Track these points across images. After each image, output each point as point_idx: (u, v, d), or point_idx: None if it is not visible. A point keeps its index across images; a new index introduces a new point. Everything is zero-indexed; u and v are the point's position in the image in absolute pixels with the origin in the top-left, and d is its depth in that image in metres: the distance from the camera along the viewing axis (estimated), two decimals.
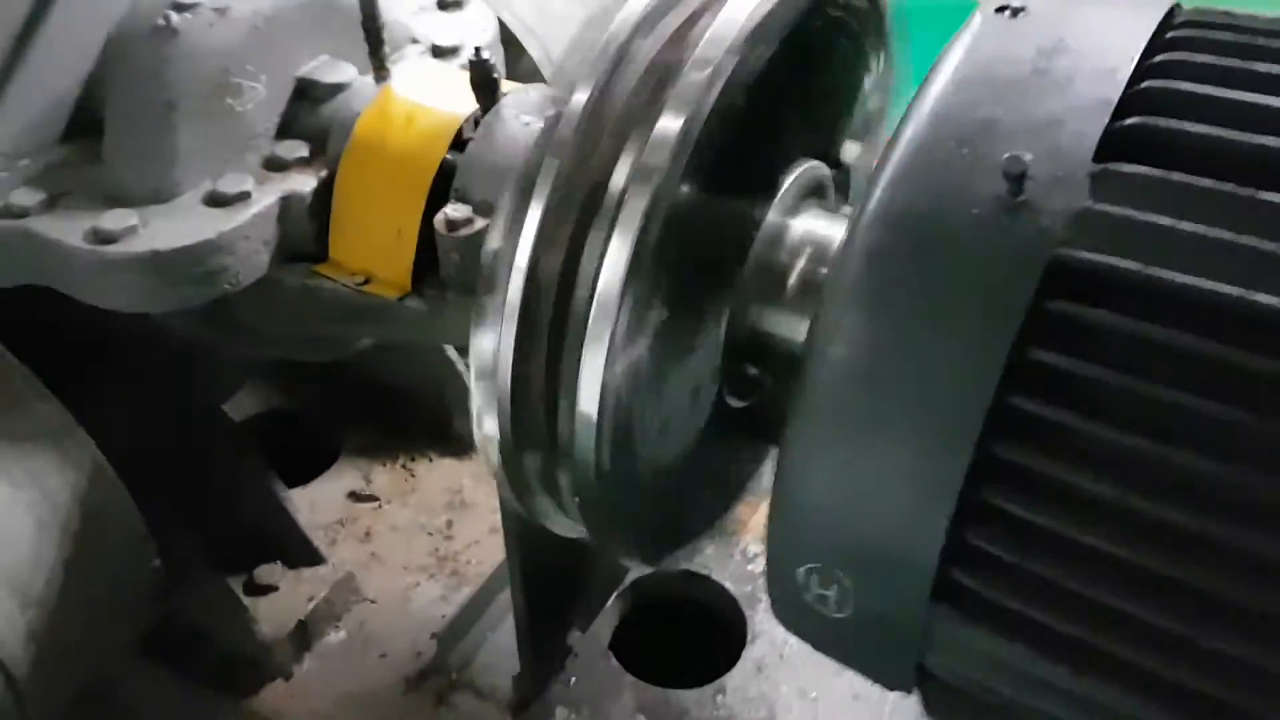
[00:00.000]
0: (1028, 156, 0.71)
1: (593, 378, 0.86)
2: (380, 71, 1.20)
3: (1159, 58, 0.78)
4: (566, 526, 1.05)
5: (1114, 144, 0.74)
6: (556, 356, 0.90)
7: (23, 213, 1.11)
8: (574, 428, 0.89)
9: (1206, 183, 0.71)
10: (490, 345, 0.91)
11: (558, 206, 0.88)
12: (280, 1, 1.17)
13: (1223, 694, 0.69)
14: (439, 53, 1.34)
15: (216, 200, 1.12)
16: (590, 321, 0.85)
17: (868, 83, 1.12)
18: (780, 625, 0.97)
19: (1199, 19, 0.82)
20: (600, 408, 0.87)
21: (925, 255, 0.75)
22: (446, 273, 1.09)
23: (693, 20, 0.93)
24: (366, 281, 1.15)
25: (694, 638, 1.63)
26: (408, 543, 1.67)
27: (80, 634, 1.21)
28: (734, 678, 1.51)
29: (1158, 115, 0.74)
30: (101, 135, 1.19)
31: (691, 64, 0.86)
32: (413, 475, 1.78)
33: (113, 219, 1.09)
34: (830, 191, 1.08)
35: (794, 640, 1.52)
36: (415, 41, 1.34)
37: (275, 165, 1.17)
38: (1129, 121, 0.74)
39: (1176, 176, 0.71)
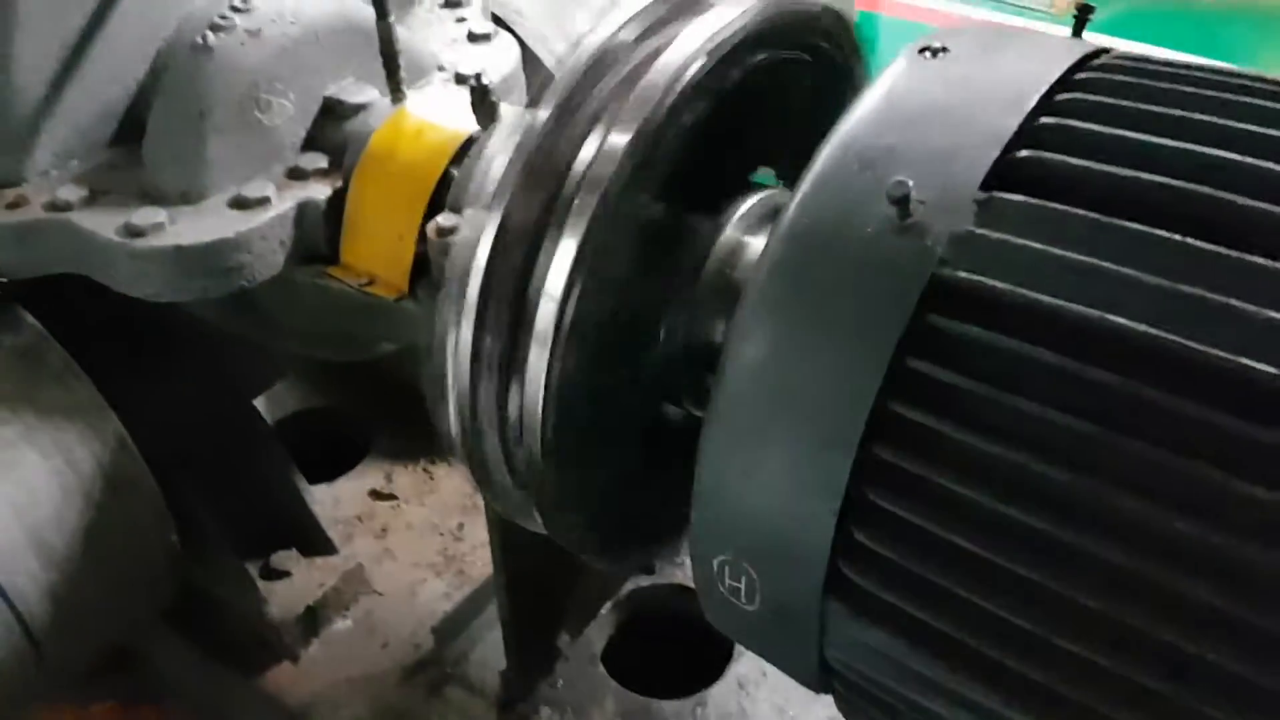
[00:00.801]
0: (911, 182, 0.77)
1: (539, 368, 0.94)
2: (396, 93, 1.30)
3: (1059, 97, 0.83)
4: (524, 518, 1.12)
5: (1001, 175, 0.79)
6: (510, 349, 0.97)
7: (66, 207, 1.24)
8: (524, 418, 0.96)
9: (1079, 212, 0.76)
10: (451, 339, 0.99)
11: (517, 211, 0.95)
12: (310, 26, 1.28)
13: (1075, 695, 0.73)
14: (461, 80, 1.44)
15: (239, 204, 1.23)
16: (538, 319, 0.93)
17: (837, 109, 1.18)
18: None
19: (1112, 63, 0.87)
20: (545, 398, 0.95)
21: (820, 268, 0.81)
22: (436, 276, 1.18)
23: (661, 40, 1.01)
24: (370, 283, 1.25)
25: (685, 651, 1.68)
26: (420, 541, 1.76)
27: (98, 598, 1.31)
28: (715, 692, 1.56)
29: (1045, 150, 0.79)
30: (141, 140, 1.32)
31: (645, 83, 0.94)
32: (432, 478, 1.87)
33: (143, 215, 1.20)
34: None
35: None
36: (442, 69, 1.45)
37: (296, 175, 1.28)
38: (1018, 154, 0.80)
39: (1053, 206, 0.76)
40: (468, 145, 1.22)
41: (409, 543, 1.76)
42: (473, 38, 1.53)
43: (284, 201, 1.24)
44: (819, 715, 1.53)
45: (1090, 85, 0.84)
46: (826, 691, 0.93)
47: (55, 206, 1.24)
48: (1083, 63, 0.87)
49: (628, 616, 1.67)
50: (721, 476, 0.86)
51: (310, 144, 1.31)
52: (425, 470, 1.88)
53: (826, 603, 0.83)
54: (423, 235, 1.20)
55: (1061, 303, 0.73)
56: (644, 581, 1.68)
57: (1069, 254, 0.74)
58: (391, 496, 1.83)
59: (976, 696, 0.77)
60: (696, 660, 1.65)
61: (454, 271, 0.99)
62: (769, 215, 1.10)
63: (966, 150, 0.80)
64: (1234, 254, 0.69)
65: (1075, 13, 0.97)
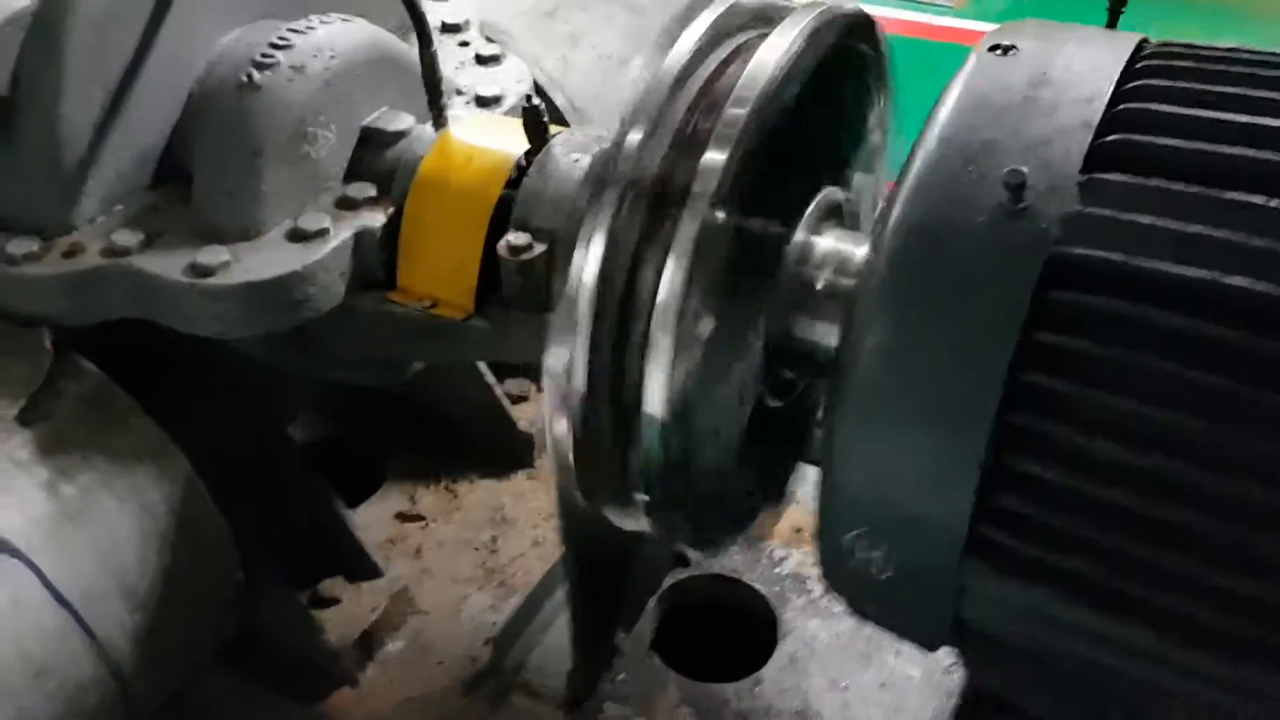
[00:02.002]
0: (1025, 169, 0.84)
1: (657, 381, 0.99)
2: (439, 119, 1.33)
3: (1131, 84, 0.91)
4: (627, 519, 1.17)
5: (1097, 158, 0.87)
6: (621, 364, 1.02)
7: (125, 251, 1.24)
8: (642, 426, 1.01)
9: (1179, 186, 0.84)
10: (563, 355, 1.03)
11: (621, 231, 1.00)
12: (348, 60, 1.31)
13: (1224, 624, 0.81)
14: (483, 102, 1.49)
15: (298, 236, 1.25)
16: (652, 332, 0.98)
17: (871, 119, 1.25)
18: (833, 595, 1.08)
19: (1163, 50, 0.96)
20: (665, 409, 1.00)
21: (940, 258, 0.88)
22: (509, 293, 1.22)
23: (729, 63, 1.07)
24: (434, 305, 1.28)
25: (728, 637, 1.74)
26: (456, 558, 1.78)
27: (177, 636, 1.32)
28: (769, 671, 1.62)
29: (1132, 132, 0.87)
30: (185, 181, 1.33)
31: (732, 102, 0.99)
32: (456, 495, 1.89)
33: (209, 254, 1.22)
34: (845, 213, 1.21)
35: (823, 635, 1.65)
36: (460, 93, 1.49)
37: (347, 204, 1.30)
38: (1110, 138, 0.87)
39: (1153, 182, 0.84)
40: (520, 167, 1.26)
41: (445, 560, 1.78)
42: (481, 60, 1.57)
43: (341, 231, 1.27)
44: (870, 683, 1.60)
45: (1154, 71, 0.93)
46: (953, 646, 0.99)
47: (113, 252, 1.24)
48: (1138, 52, 0.96)
49: (670, 608, 1.72)
50: (857, 457, 0.92)
51: (352, 173, 1.34)
52: (448, 489, 1.89)
53: (967, 564, 0.89)
54: (487, 256, 1.24)
55: (1175, 268, 0.81)
56: (682, 574, 1.74)
57: (1174, 224, 0.82)
58: (419, 517, 1.85)
59: (1123, 633, 0.85)
60: (739, 645, 1.71)
61: (563, 289, 1.04)
62: (827, 214, 1.17)
63: (1061, 138, 0.88)
64: None
65: (1108, 6, 1.06)
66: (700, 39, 1.06)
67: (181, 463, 1.31)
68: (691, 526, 1.12)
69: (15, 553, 1.16)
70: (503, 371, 1.92)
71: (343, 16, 1.35)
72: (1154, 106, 0.89)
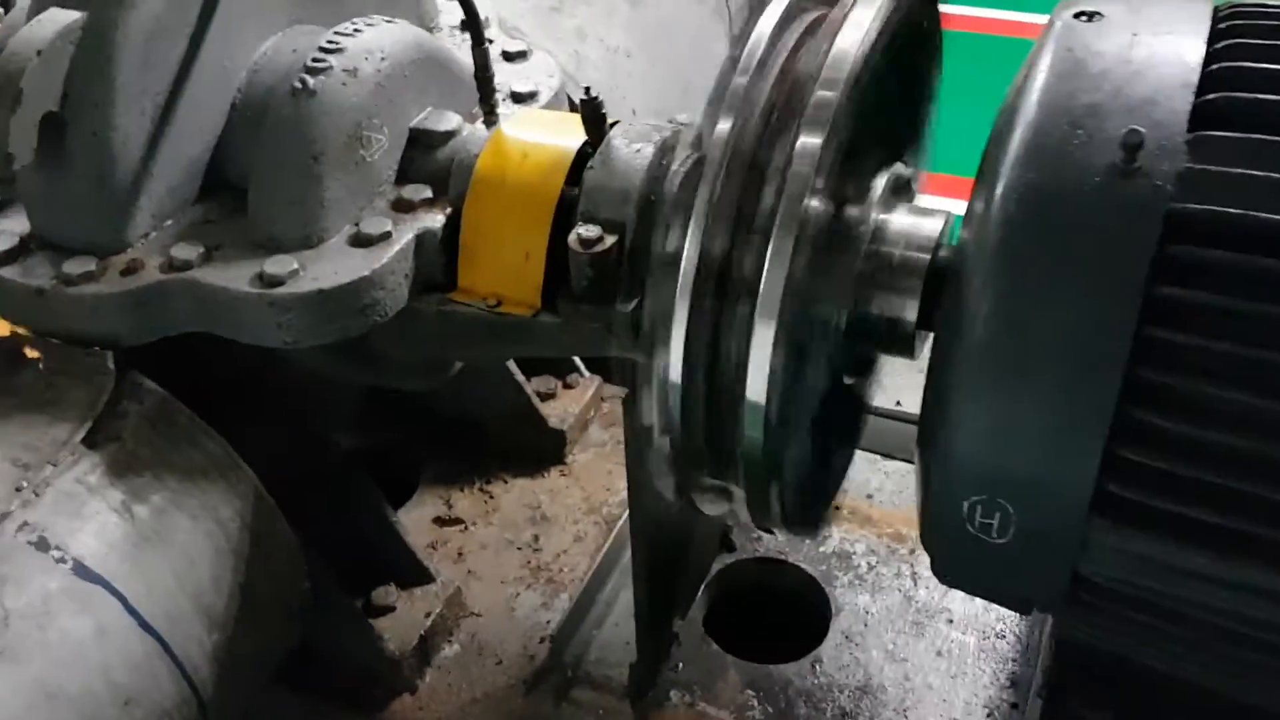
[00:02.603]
0: (1142, 130, 0.87)
1: (760, 366, 1.00)
2: (490, 116, 1.33)
3: (1220, 44, 0.94)
4: (717, 505, 1.18)
5: (1200, 116, 0.89)
6: (718, 350, 1.03)
7: (185, 265, 1.22)
8: (745, 412, 1.02)
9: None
10: (664, 342, 1.04)
11: (716, 216, 1.01)
12: (397, 61, 1.29)
13: None
14: (518, 98, 1.48)
15: (362, 241, 1.24)
16: (756, 317, 0.99)
17: (926, 94, 1.27)
18: (931, 569, 1.10)
19: (1241, 9, 0.99)
20: (767, 393, 1.01)
21: (1058, 220, 0.90)
22: (579, 287, 1.21)
23: (803, 41, 1.08)
24: (499, 304, 1.27)
25: (775, 617, 1.75)
26: (499, 558, 1.78)
27: (251, 650, 1.30)
28: (826, 649, 1.64)
29: (1232, 90, 0.90)
30: (234, 192, 1.31)
31: (821, 83, 1.00)
32: (491, 497, 1.88)
33: (276, 264, 1.20)
34: (911, 188, 1.23)
35: (875, 609, 1.67)
36: (495, 90, 1.47)
37: (403, 207, 1.29)
38: (1210, 96, 0.90)
39: (1258, 137, 0.87)
40: (579, 160, 1.26)
41: (489, 562, 1.77)
42: (508, 56, 1.57)
43: (403, 234, 1.25)
44: (925, 652, 1.63)
45: (1239, 31, 0.95)
46: (1068, 604, 1.01)
47: (174, 266, 1.22)
48: (1216, 12, 0.99)
49: (719, 592, 1.73)
50: (973, 425, 0.94)
51: (403, 176, 1.33)
52: (483, 490, 1.89)
53: (1091, 520, 0.91)
54: (553, 251, 1.24)
55: None
56: (729, 558, 1.75)
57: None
58: (457, 521, 1.84)
59: (1248, 576, 0.87)
60: (790, 625, 1.73)
61: (659, 281, 1.04)
62: (897, 190, 1.18)
63: (1164, 98, 0.90)
64: None
65: None
66: (778, 20, 1.07)
67: (249, 477, 1.29)
68: (784, 510, 1.13)
69: (99, 580, 1.13)
70: (529, 369, 1.92)
71: (385, 18, 1.34)
72: (1248, 64, 0.91)
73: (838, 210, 1.07)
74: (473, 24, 1.29)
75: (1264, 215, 0.84)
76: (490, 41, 1.60)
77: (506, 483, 1.90)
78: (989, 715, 1.55)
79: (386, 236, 1.24)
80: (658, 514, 1.40)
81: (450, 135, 1.33)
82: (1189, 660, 0.98)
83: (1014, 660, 1.62)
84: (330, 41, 1.27)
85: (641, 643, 1.52)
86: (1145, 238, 0.86)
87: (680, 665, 1.61)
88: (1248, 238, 0.84)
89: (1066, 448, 0.90)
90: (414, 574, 1.64)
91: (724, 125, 1.02)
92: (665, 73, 2.03)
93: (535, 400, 1.89)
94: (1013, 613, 1.68)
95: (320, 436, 1.55)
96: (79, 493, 1.15)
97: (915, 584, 1.73)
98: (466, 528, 1.83)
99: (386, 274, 1.23)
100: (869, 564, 1.75)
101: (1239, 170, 0.86)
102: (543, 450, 1.91)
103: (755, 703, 1.56)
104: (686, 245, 1.01)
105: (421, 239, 1.27)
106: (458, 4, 1.62)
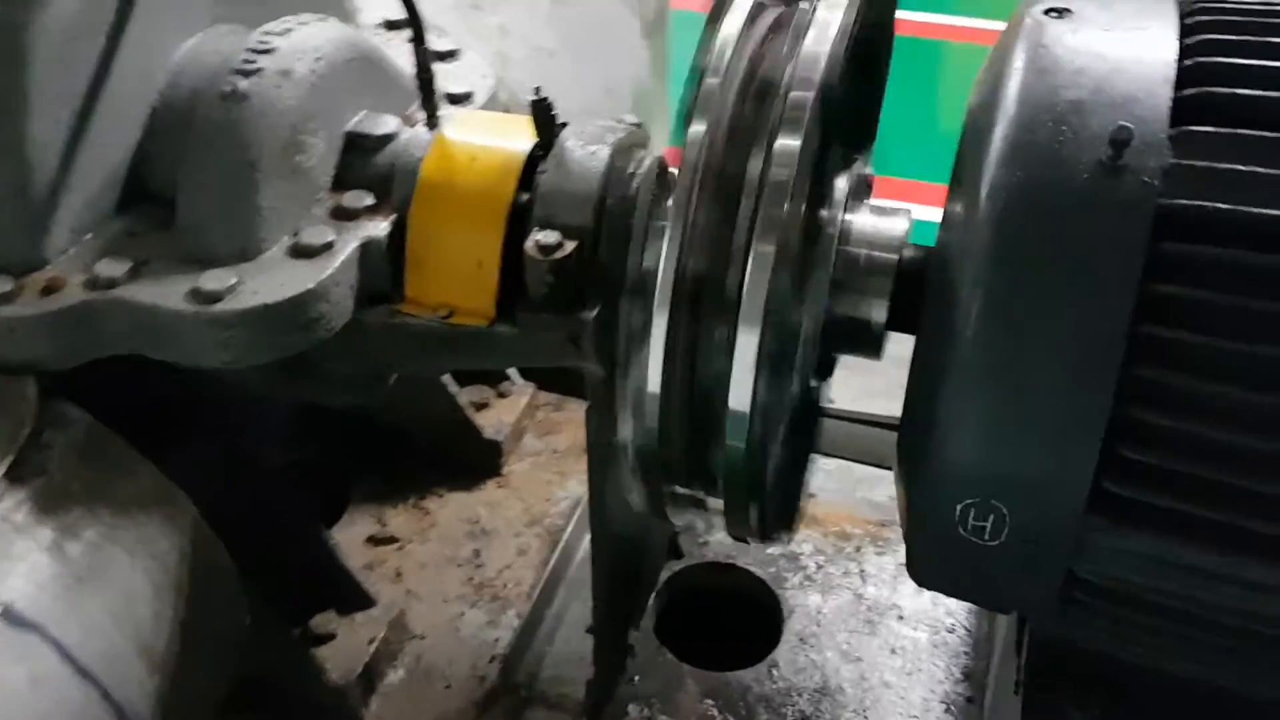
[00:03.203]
0: (1130, 125, 0.86)
1: (744, 376, 0.97)
2: (433, 118, 1.27)
3: (1192, 39, 0.94)
4: (686, 517, 1.15)
5: (1181, 111, 0.89)
6: (696, 360, 1.00)
7: (112, 283, 1.13)
8: (728, 422, 0.99)
9: (1264, 133, 0.87)
10: (643, 349, 1.00)
11: (700, 218, 0.97)
12: (331, 61, 1.22)
13: None
14: (454, 99, 1.42)
15: (303, 252, 1.17)
16: (738, 331, 0.96)
17: (877, 92, 1.26)
18: (910, 573, 1.08)
19: (1206, 5, 0.99)
20: (750, 402, 0.98)
21: (1047, 218, 0.88)
22: (538, 295, 1.17)
23: (771, 41, 1.05)
24: (451, 314, 1.22)
25: (726, 622, 1.73)
26: (440, 576, 1.72)
27: (193, 690, 1.22)
28: (782, 652, 1.62)
29: (1210, 85, 0.90)
30: (156, 203, 1.23)
31: (797, 84, 0.98)
32: (427, 513, 1.82)
33: (213, 279, 1.12)
34: (869, 188, 1.22)
35: (826, 609, 1.66)
36: None
37: (344, 215, 1.22)
38: (1189, 92, 0.90)
39: (1242, 131, 0.87)
40: (530, 163, 1.21)
41: (430, 581, 1.70)
42: (439, 56, 1.51)
43: (347, 244, 1.19)
44: (879, 649, 1.63)
45: (1209, 26, 0.96)
46: (1061, 606, 1.00)
47: (99, 284, 1.13)
48: (1183, 8, 0.99)
49: (668, 600, 1.70)
50: (966, 427, 0.92)
51: (340, 182, 1.26)
52: (418, 506, 1.82)
53: (1087, 520, 0.91)
54: (506, 258, 1.19)
55: (1276, 211, 0.84)
56: (678, 565, 1.72)
57: (1268, 169, 0.85)
58: (392, 540, 1.77)
59: (1248, 571, 0.88)
60: (741, 629, 1.71)
61: (634, 290, 1.00)
62: (857, 192, 1.16)
63: (1144, 95, 0.90)
64: None
65: None
66: (744, 21, 1.04)
67: (187, 506, 1.21)
68: (763, 519, 1.10)
69: (31, 626, 1.05)
70: (461, 378, 1.85)
71: (317, 16, 1.27)
72: (1223, 59, 0.92)
73: (811, 212, 1.05)
74: (414, 21, 1.23)
75: (1254, 210, 0.84)
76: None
77: (442, 497, 1.84)
78: (946, 710, 1.56)
79: (329, 246, 1.18)
80: (618, 525, 1.36)
81: (389, 138, 1.27)
82: (1185, 655, 0.98)
83: (966, 654, 1.63)
84: (260, 42, 1.20)
85: (599, 657, 1.48)
86: (1136, 235, 0.86)
87: (637, 678, 1.57)
88: (1238, 232, 0.85)
89: (1063, 447, 0.89)
90: (354, 598, 1.57)
91: (697, 128, 0.99)
92: (590, 71, 1.99)
93: (470, 411, 1.83)
94: (960, 606, 1.70)
95: (253, 457, 1.47)
96: (5, 532, 1.06)
97: (864, 581, 1.72)
98: (403, 546, 1.76)
99: (332, 286, 1.16)
100: (817, 564, 1.74)
101: (1225, 165, 0.86)
102: (478, 462, 1.85)
103: (715, 711, 1.54)
104: (663, 253, 0.98)
105: (366, 248, 1.20)
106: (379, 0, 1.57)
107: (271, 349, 1.15)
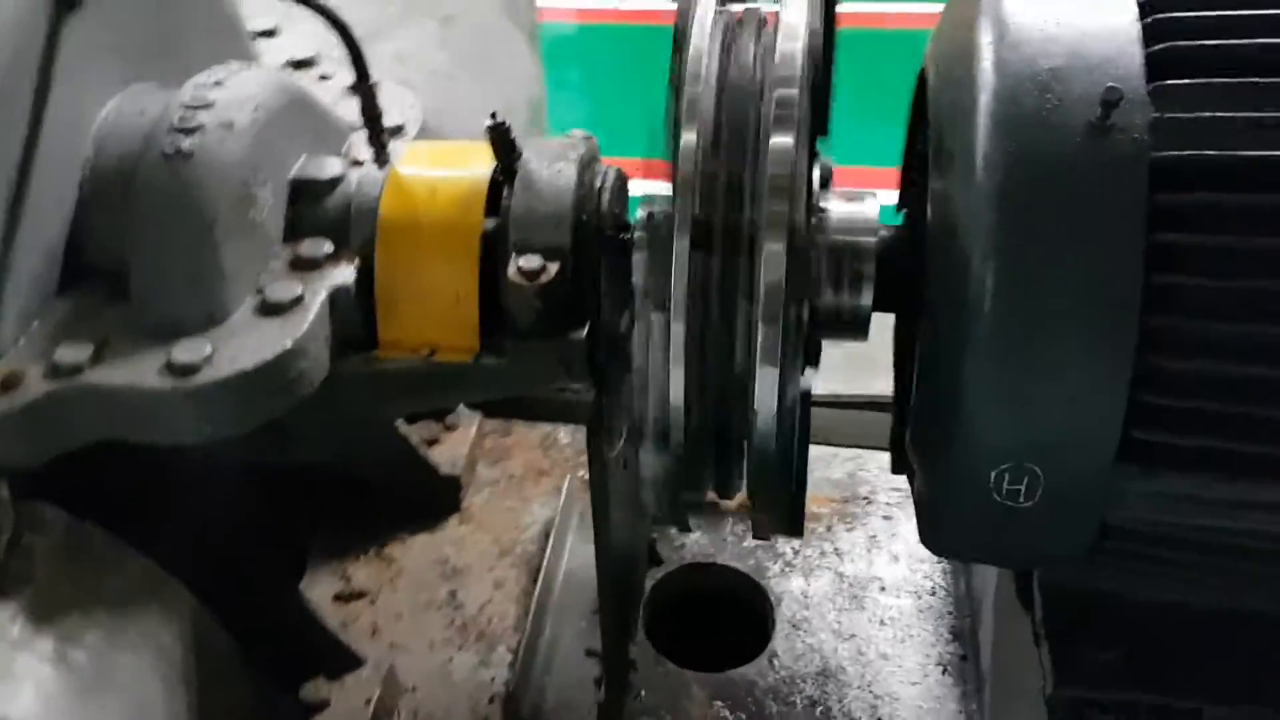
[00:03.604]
0: (1119, 86, 0.89)
1: (768, 374, 0.97)
2: (382, 154, 1.23)
3: None
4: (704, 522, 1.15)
5: (1154, 67, 0.93)
6: (718, 364, 0.99)
7: (76, 369, 1.06)
8: (756, 424, 0.99)
9: (1236, 80, 0.91)
10: (661, 378, 0.99)
11: (701, 227, 0.97)
12: (269, 109, 1.17)
13: None
14: (392, 133, 1.38)
15: (271, 310, 1.12)
16: (758, 326, 0.96)
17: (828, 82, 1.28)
18: (926, 545, 1.11)
19: None
20: (775, 400, 0.98)
21: (1049, 184, 0.91)
22: (525, 322, 1.14)
23: (737, 40, 1.06)
24: (433, 352, 1.18)
25: (715, 620, 1.73)
26: (420, 624, 1.67)
27: None
28: (777, 642, 1.63)
29: (1175, 39, 0.94)
30: (96, 278, 1.16)
31: (779, 81, 0.98)
32: (393, 560, 1.76)
33: (185, 350, 1.06)
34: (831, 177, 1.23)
35: (811, 592, 1.68)
36: (355, 129, 1.37)
37: (305, 265, 1.17)
38: (1157, 48, 0.94)
39: (1216, 80, 0.92)
40: (494, 188, 1.19)
41: (410, 631, 1.65)
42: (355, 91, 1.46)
43: (316, 295, 1.14)
44: (869, 623, 1.65)
45: None
46: (1093, 556, 1.03)
47: (61, 372, 1.06)
48: None
49: (655, 608, 1.69)
50: (995, 397, 0.94)
51: (292, 231, 1.21)
52: (381, 556, 1.76)
53: (1118, 469, 0.94)
54: (485, 288, 1.16)
55: (1261, 152, 0.88)
56: (659, 572, 1.71)
57: (1252, 114, 0.90)
58: (360, 594, 1.70)
59: (1277, 496, 0.92)
60: (729, 626, 1.72)
61: (647, 301, 0.99)
62: (824, 182, 1.18)
63: (1117, 55, 0.94)
64: None
65: None
66: (711, 22, 1.04)
67: (182, 592, 1.15)
68: (797, 512, 1.11)
69: None
70: (408, 417, 1.80)
71: (240, 64, 1.22)
72: (1180, 14, 0.96)
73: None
74: (356, 58, 1.19)
75: (1241, 153, 0.88)
76: (327, 78, 1.51)
77: (405, 542, 1.78)
78: (944, 672, 1.60)
79: (299, 300, 1.13)
80: (620, 543, 1.35)
81: (337, 181, 1.23)
82: (1216, 586, 1.03)
83: (950, 614, 1.67)
84: (194, 97, 1.14)
85: (609, 678, 1.46)
86: (1135, 190, 0.89)
87: (643, 693, 1.56)
88: (1229, 176, 0.89)
89: (1092, 401, 0.92)
90: (341, 660, 1.51)
91: (689, 137, 0.98)
92: (488, 91, 1.96)
93: (424, 449, 1.79)
94: (936, 568, 1.74)
95: (229, 526, 1.40)
96: (2, 651, 0.98)
97: (841, 559, 1.75)
98: (374, 599, 1.70)
99: (309, 342, 1.12)
100: (794, 549, 1.75)
101: (1207, 114, 0.90)
102: (437, 500, 1.81)
103: (727, 712, 1.54)
104: (675, 261, 0.97)
105: (335, 298, 1.16)
106: (269, 40, 1.52)
107: (255, 416, 1.10)
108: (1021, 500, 0.98)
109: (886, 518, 1.80)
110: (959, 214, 0.95)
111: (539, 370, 1.18)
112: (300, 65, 1.51)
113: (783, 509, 1.10)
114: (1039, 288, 0.91)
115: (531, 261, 1.13)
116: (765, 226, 0.96)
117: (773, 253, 0.96)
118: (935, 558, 1.75)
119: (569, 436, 1.94)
